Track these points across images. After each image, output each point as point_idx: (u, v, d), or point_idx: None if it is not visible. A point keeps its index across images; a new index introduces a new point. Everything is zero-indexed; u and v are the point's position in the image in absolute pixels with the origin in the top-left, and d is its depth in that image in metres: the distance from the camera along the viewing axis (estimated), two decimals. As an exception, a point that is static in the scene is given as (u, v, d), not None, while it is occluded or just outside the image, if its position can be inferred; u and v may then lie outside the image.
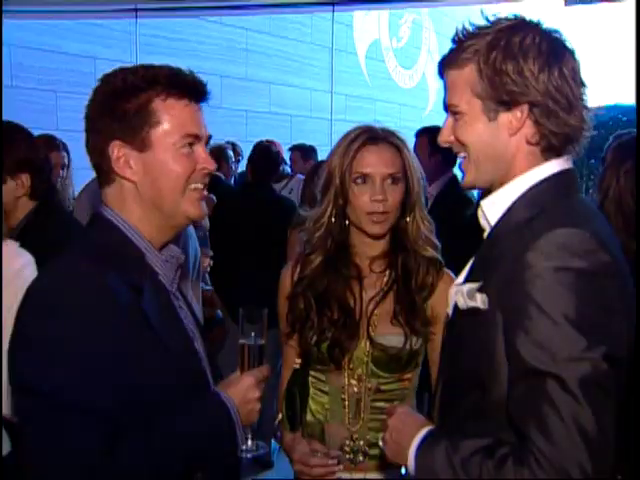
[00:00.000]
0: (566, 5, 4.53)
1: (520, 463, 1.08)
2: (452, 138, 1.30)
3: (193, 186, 1.29)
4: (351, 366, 1.73)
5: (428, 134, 3.49)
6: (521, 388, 1.11)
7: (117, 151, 1.25)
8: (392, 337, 1.70)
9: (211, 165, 1.33)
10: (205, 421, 1.27)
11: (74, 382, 1.13)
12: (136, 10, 5.58)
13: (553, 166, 1.25)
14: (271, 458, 3.94)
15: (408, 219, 1.75)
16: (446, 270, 1.78)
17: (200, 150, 1.31)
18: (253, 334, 1.38)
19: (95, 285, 1.17)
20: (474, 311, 1.22)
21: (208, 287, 3.45)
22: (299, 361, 1.80)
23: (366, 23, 10.43)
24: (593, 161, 3.29)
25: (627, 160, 2.01)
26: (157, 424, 1.20)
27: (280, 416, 1.83)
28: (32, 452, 1.15)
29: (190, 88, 1.29)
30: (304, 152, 5.61)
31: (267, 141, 5.20)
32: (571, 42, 1.25)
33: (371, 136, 1.72)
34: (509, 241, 1.20)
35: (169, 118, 1.26)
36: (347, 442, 1.72)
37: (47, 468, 1.13)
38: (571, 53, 1.24)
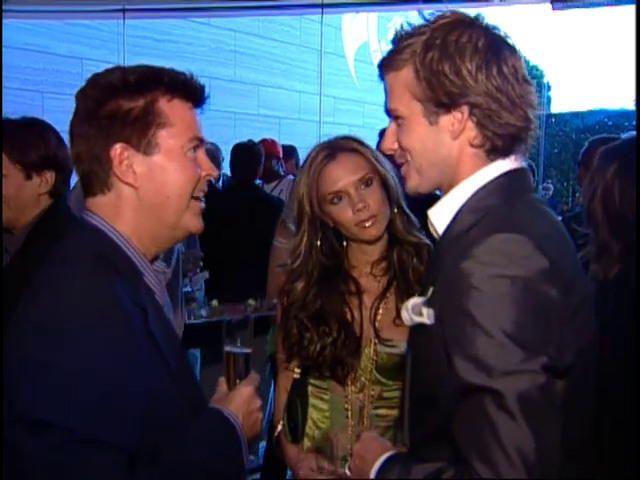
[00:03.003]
0: (553, 9, 4.55)
1: None
2: (396, 145, 1.23)
3: (195, 196, 1.22)
4: (354, 374, 1.70)
5: None
6: (460, 406, 1.05)
7: (120, 154, 1.15)
8: (398, 343, 1.67)
9: (215, 172, 1.26)
10: (213, 445, 1.19)
11: (94, 415, 1.01)
12: (124, 11, 5.54)
13: (500, 167, 1.18)
14: (258, 461, 3.92)
15: (396, 210, 1.73)
16: None
17: (203, 156, 1.23)
18: (239, 341, 1.33)
19: (111, 305, 1.06)
20: (421, 326, 1.16)
21: (187, 289, 3.41)
22: (298, 371, 1.77)
23: (355, 26, 10.44)
24: (579, 165, 3.33)
25: (613, 162, 2.02)
26: (168, 456, 1.11)
27: (279, 427, 1.80)
28: None
29: (193, 91, 1.22)
30: (283, 153, 5.57)
31: (269, 140, 5.18)
32: (513, 39, 1.19)
33: (327, 153, 1.69)
34: (449, 250, 1.14)
35: (176, 120, 1.18)
36: (350, 451, 1.69)
37: None
38: (511, 50, 1.18)
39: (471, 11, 1.28)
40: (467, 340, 1.03)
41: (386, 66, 1.22)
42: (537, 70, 20.37)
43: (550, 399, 1.03)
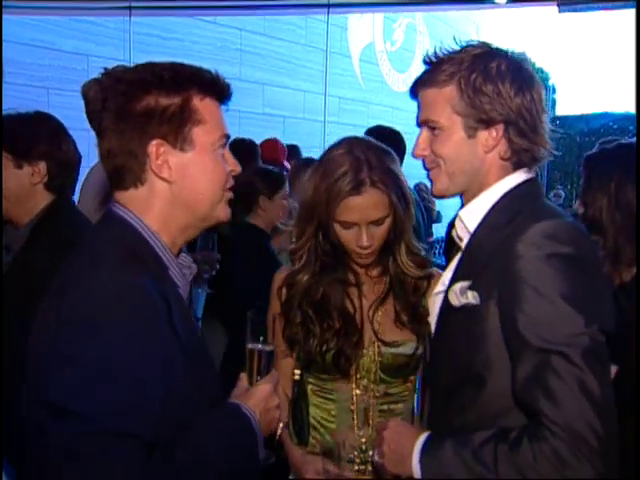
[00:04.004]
0: (560, 12, 4.55)
1: (536, 439, 1.12)
2: (427, 152, 1.39)
3: (226, 190, 1.28)
4: (358, 375, 1.71)
5: (373, 135, 3.47)
6: (527, 368, 1.18)
7: (157, 150, 1.18)
8: (401, 343, 1.70)
9: (239, 167, 1.32)
10: (230, 439, 1.22)
11: (116, 407, 1.05)
12: (130, 8, 5.55)
13: (520, 175, 1.37)
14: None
15: (395, 243, 1.73)
16: (437, 271, 1.78)
17: (228, 152, 1.29)
18: (261, 339, 1.35)
19: (137, 299, 1.09)
20: (466, 308, 1.30)
21: (208, 291, 3.35)
22: (298, 372, 1.77)
23: (361, 26, 10.43)
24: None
25: (618, 167, 2.01)
26: (185, 446, 1.14)
27: (280, 431, 1.81)
28: (62, 479, 1.05)
29: (222, 90, 1.28)
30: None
31: (271, 139, 5.19)
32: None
33: (355, 185, 1.61)
34: (493, 242, 1.30)
35: (209, 117, 1.23)
36: (356, 453, 1.67)
37: None
38: (538, 81, 1.36)
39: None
40: (532, 308, 1.18)
41: (425, 83, 1.38)
42: (542, 73, 20.31)
43: (606, 356, 1.18)
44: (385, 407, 1.71)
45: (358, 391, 1.71)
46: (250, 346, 1.35)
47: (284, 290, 1.77)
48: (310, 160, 3.81)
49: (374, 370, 1.71)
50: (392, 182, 1.65)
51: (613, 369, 1.85)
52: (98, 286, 1.09)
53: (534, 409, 1.15)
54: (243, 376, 1.36)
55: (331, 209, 1.64)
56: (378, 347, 1.70)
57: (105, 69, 1.23)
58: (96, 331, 1.06)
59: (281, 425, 1.81)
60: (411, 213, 1.73)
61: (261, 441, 1.27)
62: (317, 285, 1.73)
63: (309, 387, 1.78)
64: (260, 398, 1.29)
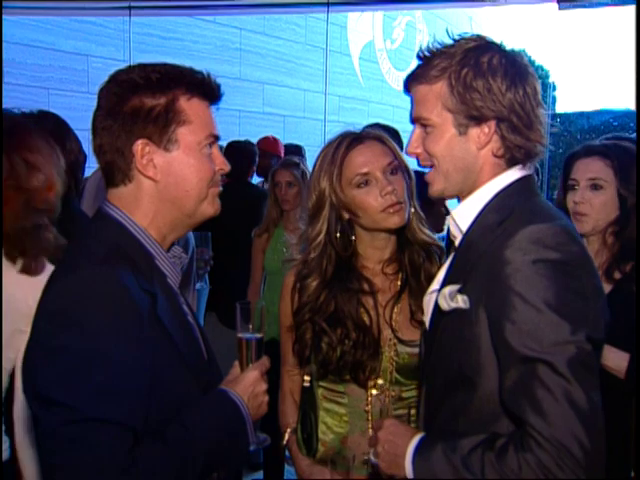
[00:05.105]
0: (560, 9, 4.54)
1: (522, 449, 1.12)
2: (420, 149, 1.35)
3: (212, 187, 1.30)
4: (375, 376, 1.69)
5: None
6: (514, 376, 1.16)
7: (142, 150, 1.22)
8: (418, 343, 1.66)
9: (227, 166, 1.34)
10: (218, 423, 1.26)
11: (98, 395, 1.09)
12: (130, 8, 5.54)
13: (515, 173, 1.33)
14: (259, 460, 3.93)
15: (413, 210, 1.72)
16: None
17: (216, 151, 1.32)
18: (251, 328, 1.39)
19: (116, 293, 1.13)
20: (457, 312, 1.27)
21: (207, 287, 3.41)
22: (308, 378, 1.75)
23: (360, 24, 10.43)
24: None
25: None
26: (174, 432, 1.17)
27: (287, 436, 1.79)
28: (54, 466, 1.10)
29: (210, 90, 1.30)
30: (290, 152, 5.54)
31: (270, 137, 5.19)
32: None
33: (354, 137, 1.68)
34: (484, 243, 1.27)
35: (195, 118, 1.25)
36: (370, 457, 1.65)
37: None
38: (532, 74, 1.31)
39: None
40: (518, 316, 1.15)
41: (416, 79, 1.34)
42: (542, 70, 20.28)
43: (592, 365, 1.15)
44: (400, 412, 1.67)
45: (374, 391, 1.68)
46: (240, 335, 1.39)
47: (296, 296, 1.73)
48: (290, 161, 3.80)
49: (390, 370, 1.68)
50: (387, 139, 1.71)
51: (626, 356, 1.86)
52: (77, 280, 1.14)
53: (521, 419, 1.14)
54: (236, 364, 1.40)
55: (340, 171, 1.65)
56: (395, 345, 1.68)
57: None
58: (75, 323, 1.10)
59: (289, 430, 1.80)
60: (413, 181, 1.73)
61: (250, 425, 1.30)
62: (328, 298, 1.69)
63: (319, 391, 1.75)
64: (247, 384, 1.33)
